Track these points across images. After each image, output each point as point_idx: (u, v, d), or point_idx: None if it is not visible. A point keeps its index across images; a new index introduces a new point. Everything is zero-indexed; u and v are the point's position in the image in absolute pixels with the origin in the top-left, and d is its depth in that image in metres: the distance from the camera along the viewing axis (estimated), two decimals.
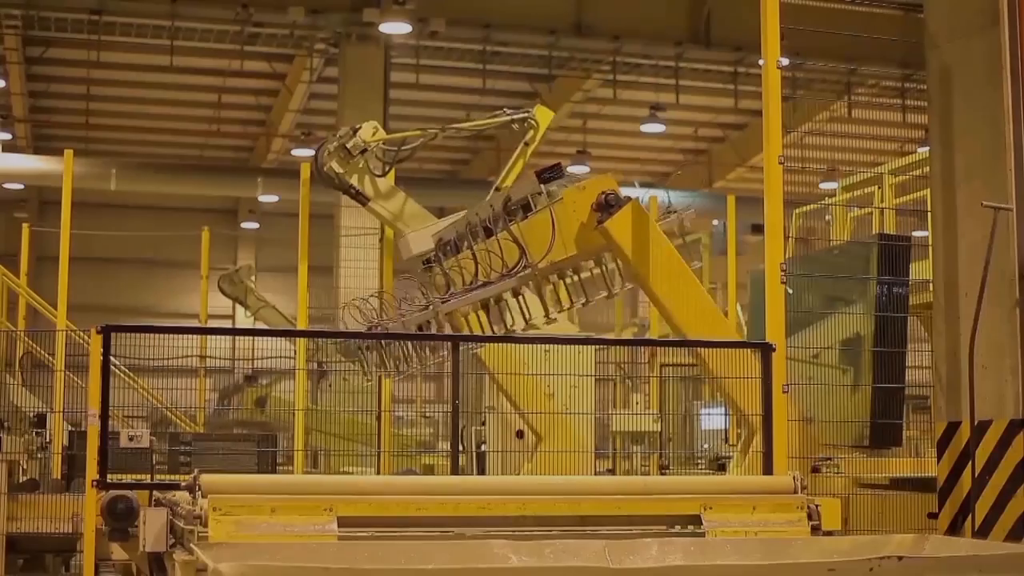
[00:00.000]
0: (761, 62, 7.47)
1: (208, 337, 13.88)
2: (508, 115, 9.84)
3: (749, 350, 7.22)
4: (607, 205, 7.53)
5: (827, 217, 11.58)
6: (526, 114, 9.71)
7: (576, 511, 5.25)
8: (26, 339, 14.02)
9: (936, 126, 7.88)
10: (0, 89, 25.44)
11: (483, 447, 10.20)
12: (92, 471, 6.21)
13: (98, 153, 26.98)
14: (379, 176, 10.11)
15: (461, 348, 7.23)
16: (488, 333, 8.10)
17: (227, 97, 27.16)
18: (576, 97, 26.47)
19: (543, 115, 9.73)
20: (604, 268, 8.23)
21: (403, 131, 10.61)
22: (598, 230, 7.56)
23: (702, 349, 7.66)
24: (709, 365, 7.64)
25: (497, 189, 10.00)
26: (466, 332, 8.03)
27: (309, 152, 19.16)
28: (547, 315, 8.14)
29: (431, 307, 8.18)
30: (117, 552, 6.14)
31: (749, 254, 18.21)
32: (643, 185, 30.32)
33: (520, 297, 8.10)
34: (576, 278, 8.28)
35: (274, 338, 15.06)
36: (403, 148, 10.15)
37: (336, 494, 4.99)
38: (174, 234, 21.38)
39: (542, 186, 7.80)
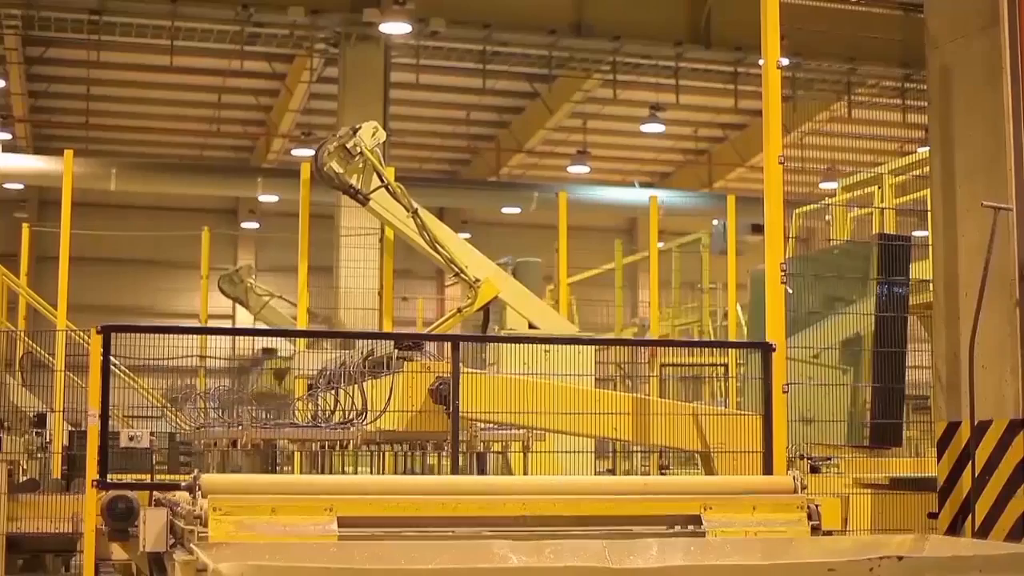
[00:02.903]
0: (761, 62, 7.48)
1: (208, 337, 13.86)
2: (459, 271, 10.03)
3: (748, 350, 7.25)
4: (443, 397, 7.37)
5: (827, 217, 11.58)
6: (476, 280, 9.88)
7: (576, 511, 5.25)
8: (26, 339, 14.02)
9: (936, 126, 7.88)
10: (0, 89, 25.44)
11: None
12: (92, 471, 6.21)
13: (98, 153, 26.98)
14: (371, 192, 10.16)
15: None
16: None
17: (227, 97, 27.17)
18: (576, 97, 26.48)
19: (488, 290, 9.89)
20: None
21: (404, 134, 10.65)
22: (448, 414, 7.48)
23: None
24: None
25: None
26: None
27: (309, 152, 19.17)
28: None
29: (244, 426, 8.27)
30: (117, 552, 6.14)
31: (749, 254, 18.21)
32: (643, 185, 30.47)
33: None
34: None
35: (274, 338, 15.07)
36: (388, 184, 10.23)
37: (336, 494, 4.99)
38: (174, 234, 21.37)
39: (396, 351, 7.81)
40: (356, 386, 7.92)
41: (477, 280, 10.02)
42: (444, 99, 27.11)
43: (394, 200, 10.28)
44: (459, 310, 9.92)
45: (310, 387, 9.18)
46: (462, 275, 10.02)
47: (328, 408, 8.37)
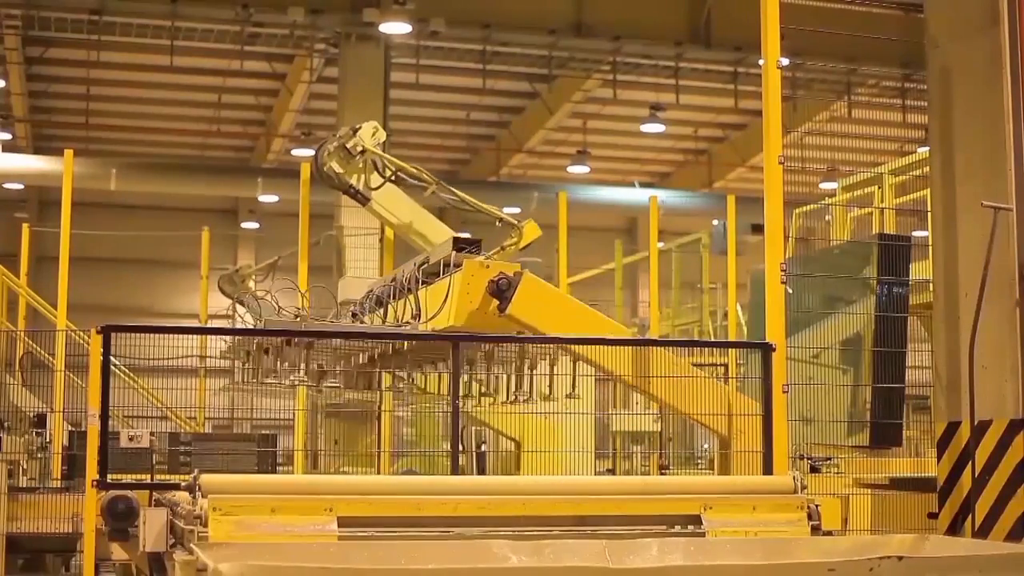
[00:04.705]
0: (761, 62, 7.48)
1: (208, 337, 13.87)
2: (501, 213, 10.02)
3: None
4: (500, 291, 7.40)
5: (827, 217, 11.58)
6: (515, 222, 9.89)
7: (576, 511, 5.25)
8: (26, 339, 14.03)
9: (936, 126, 7.88)
10: (0, 89, 25.44)
11: (483, 447, 10.22)
12: (92, 471, 6.21)
13: (98, 153, 26.97)
14: (375, 189, 10.15)
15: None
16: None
17: (227, 97, 27.16)
18: (576, 97, 26.48)
19: (530, 231, 9.90)
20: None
21: (404, 134, 10.65)
22: (504, 318, 7.48)
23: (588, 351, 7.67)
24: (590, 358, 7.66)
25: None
26: None
27: (309, 152, 19.16)
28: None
29: (300, 318, 8.23)
30: (117, 552, 6.14)
31: (749, 254, 18.19)
32: (643, 185, 30.46)
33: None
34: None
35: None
36: (398, 173, 10.20)
37: (336, 494, 4.99)
38: (174, 234, 21.37)
39: (454, 254, 7.81)
40: (412, 294, 7.91)
41: (520, 221, 10.01)
42: (444, 99, 27.10)
43: (399, 197, 10.26)
44: (502, 248, 9.91)
45: (354, 314, 9.12)
46: (505, 220, 10.01)
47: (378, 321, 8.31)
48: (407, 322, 7.82)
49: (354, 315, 9.07)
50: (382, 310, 8.46)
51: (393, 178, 10.22)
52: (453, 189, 10.07)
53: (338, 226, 15.34)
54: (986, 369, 7.30)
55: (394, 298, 8.36)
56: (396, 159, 10.34)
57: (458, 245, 7.88)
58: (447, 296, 7.54)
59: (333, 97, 23.34)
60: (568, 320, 7.65)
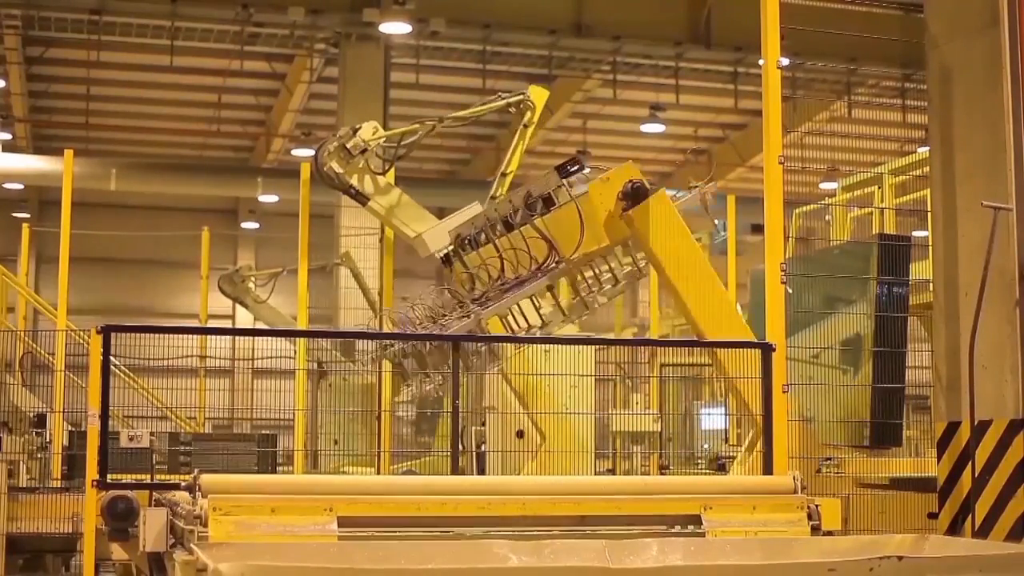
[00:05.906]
0: (761, 62, 7.48)
1: (208, 337, 13.90)
2: (504, 99, 9.91)
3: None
4: (634, 192, 7.62)
5: (827, 217, 11.58)
6: (521, 96, 9.80)
7: (576, 511, 5.25)
8: (26, 339, 14.03)
9: (936, 126, 7.88)
10: (0, 89, 25.44)
11: (483, 447, 10.18)
12: (92, 471, 6.21)
13: (98, 153, 26.96)
14: (380, 174, 10.13)
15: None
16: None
17: (227, 97, 27.14)
18: (576, 97, 26.46)
19: (538, 95, 9.84)
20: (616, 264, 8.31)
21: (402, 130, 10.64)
22: (623, 218, 7.60)
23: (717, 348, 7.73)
24: (723, 363, 7.71)
25: (503, 175, 10.15)
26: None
27: (309, 152, 19.16)
28: (565, 316, 8.23)
29: (472, 315, 8.08)
30: (117, 552, 6.14)
31: (749, 254, 18.18)
32: None
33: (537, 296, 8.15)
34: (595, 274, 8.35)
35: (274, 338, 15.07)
36: (403, 144, 10.18)
37: (336, 494, 4.99)
38: (174, 234, 21.38)
39: (564, 180, 7.81)
40: (530, 228, 7.83)
41: (523, 93, 9.97)
42: (444, 99, 27.05)
43: (398, 196, 10.24)
44: (524, 126, 9.89)
45: (444, 259, 8.92)
46: (511, 100, 10.00)
47: (493, 275, 8.11)
48: (556, 261, 7.73)
49: (445, 260, 8.93)
50: (483, 251, 8.30)
51: (399, 155, 10.18)
52: (453, 114, 10.08)
53: (344, 253, 15.33)
54: (986, 369, 7.30)
55: (495, 237, 8.27)
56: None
57: (564, 172, 7.92)
58: (582, 222, 7.65)
59: (333, 97, 23.32)
60: (681, 256, 7.82)
